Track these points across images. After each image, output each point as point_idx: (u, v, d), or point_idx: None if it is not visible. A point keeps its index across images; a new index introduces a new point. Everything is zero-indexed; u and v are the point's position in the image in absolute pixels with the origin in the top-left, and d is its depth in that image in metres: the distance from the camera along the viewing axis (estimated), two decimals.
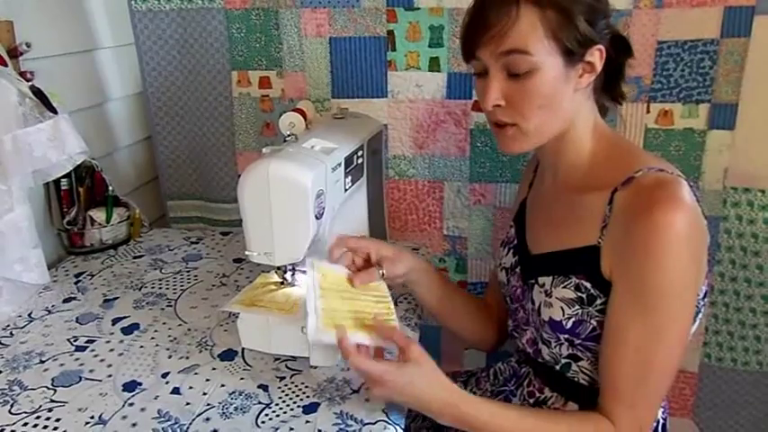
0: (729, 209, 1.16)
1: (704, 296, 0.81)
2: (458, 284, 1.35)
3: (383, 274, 0.88)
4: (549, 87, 0.76)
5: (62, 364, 0.89)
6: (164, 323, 1.00)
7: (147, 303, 1.06)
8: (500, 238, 1.03)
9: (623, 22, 1.11)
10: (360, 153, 1.02)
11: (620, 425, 0.75)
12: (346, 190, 0.96)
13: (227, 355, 0.91)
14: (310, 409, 0.79)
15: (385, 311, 0.83)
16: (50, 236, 1.23)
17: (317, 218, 0.84)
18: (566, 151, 0.84)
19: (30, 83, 1.03)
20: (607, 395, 0.77)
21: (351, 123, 1.08)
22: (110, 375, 0.86)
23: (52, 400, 0.81)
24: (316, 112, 1.12)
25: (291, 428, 0.76)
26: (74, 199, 1.23)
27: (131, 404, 0.80)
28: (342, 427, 0.76)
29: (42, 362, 0.90)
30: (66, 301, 1.08)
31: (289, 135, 0.94)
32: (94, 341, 0.95)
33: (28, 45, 1.09)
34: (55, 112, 1.03)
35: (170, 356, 0.91)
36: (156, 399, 0.81)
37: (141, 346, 0.93)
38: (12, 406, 0.80)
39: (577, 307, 0.79)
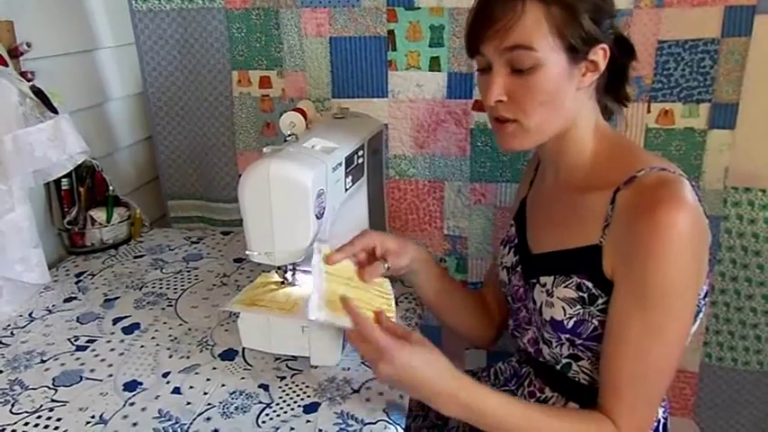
0: (730, 208, 1.16)
1: (705, 296, 0.81)
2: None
3: (388, 268, 0.89)
4: (552, 84, 0.76)
5: (63, 364, 0.89)
6: (164, 323, 1.00)
7: (147, 303, 1.06)
8: (500, 237, 1.03)
9: (624, 22, 1.10)
10: (360, 153, 1.02)
11: (620, 424, 0.75)
12: (347, 190, 0.96)
13: (228, 355, 0.91)
14: (311, 408, 0.79)
15: (386, 308, 0.83)
16: (51, 236, 1.23)
17: (317, 217, 0.84)
18: (567, 150, 0.84)
19: (30, 83, 1.03)
20: (607, 394, 0.77)
21: (351, 123, 1.08)
22: (110, 375, 0.86)
23: (53, 400, 0.81)
24: (316, 111, 1.12)
25: (292, 428, 0.76)
26: (74, 199, 1.23)
27: (132, 404, 0.80)
28: (342, 426, 0.76)
29: (43, 361, 0.90)
30: (66, 300, 1.08)
31: (289, 135, 0.94)
32: (95, 341, 0.95)
33: (28, 45, 1.09)
34: (55, 111, 1.03)
35: (171, 356, 0.91)
36: (156, 398, 0.81)
37: (142, 346, 0.93)
38: (13, 406, 0.80)
39: (579, 307, 0.79)
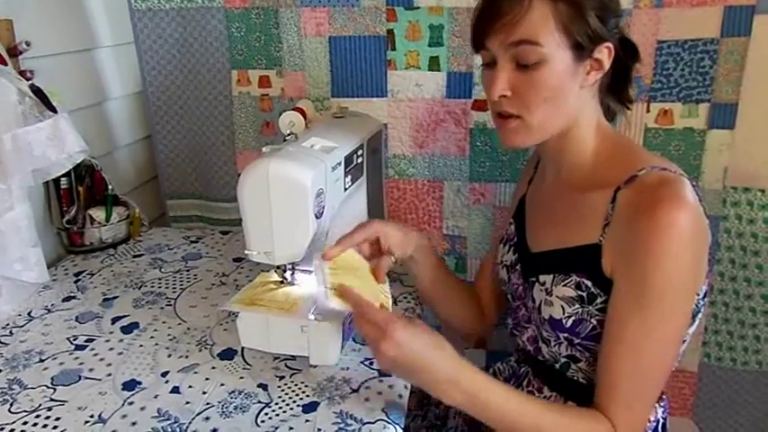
0: (729, 208, 1.17)
1: (704, 296, 0.81)
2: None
3: (395, 261, 0.89)
4: (556, 80, 0.76)
5: (62, 363, 0.89)
6: (163, 322, 1.00)
7: (146, 302, 1.06)
8: (499, 237, 1.03)
9: (623, 22, 1.10)
10: (360, 152, 1.02)
11: (616, 422, 0.75)
12: (346, 189, 0.96)
13: (227, 354, 0.91)
14: (310, 408, 0.79)
15: (386, 307, 0.83)
16: (50, 235, 1.23)
17: (316, 217, 0.84)
18: (569, 149, 0.84)
19: (29, 82, 1.03)
20: (603, 392, 0.77)
21: (350, 122, 1.08)
22: (109, 374, 0.86)
23: (52, 399, 0.81)
24: (315, 111, 1.12)
25: (291, 428, 0.76)
26: (73, 198, 1.23)
27: (131, 403, 0.80)
28: (341, 426, 0.76)
29: (42, 361, 0.90)
30: (65, 300, 1.08)
31: (288, 134, 0.94)
32: (94, 340, 0.95)
33: (28, 44, 1.09)
34: (54, 110, 1.03)
35: (169, 355, 0.91)
36: (155, 398, 0.81)
37: (141, 345, 0.93)
38: (11, 405, 0.80)
39: (578, 305, 0.79)
